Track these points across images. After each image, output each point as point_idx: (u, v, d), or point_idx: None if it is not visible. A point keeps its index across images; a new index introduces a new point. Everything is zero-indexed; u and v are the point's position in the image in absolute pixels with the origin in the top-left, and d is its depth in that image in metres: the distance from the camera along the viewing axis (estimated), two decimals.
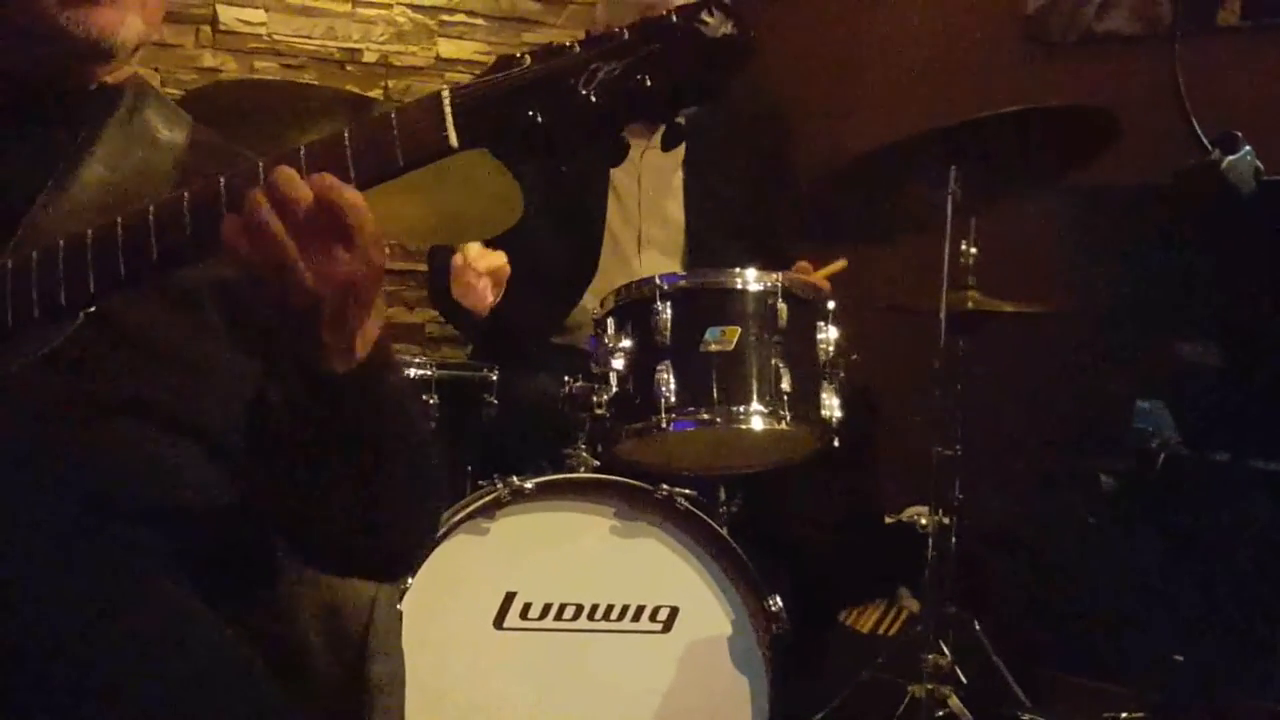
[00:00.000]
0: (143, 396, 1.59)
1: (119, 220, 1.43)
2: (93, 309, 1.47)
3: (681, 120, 1.47)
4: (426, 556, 1.78)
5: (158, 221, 1.41)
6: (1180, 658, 2.64)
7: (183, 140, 1.73)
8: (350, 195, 1.37)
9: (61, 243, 1.44)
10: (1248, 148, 1.94)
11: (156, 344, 1.62)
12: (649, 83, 1.36)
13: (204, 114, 3.26)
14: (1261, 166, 1.94)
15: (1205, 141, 1.97)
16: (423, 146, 1.39)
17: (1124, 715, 1.96)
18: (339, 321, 1.41)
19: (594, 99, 1.36)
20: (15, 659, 1.38)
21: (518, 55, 1.40)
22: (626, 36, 1.37)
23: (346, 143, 1.41)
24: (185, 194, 1.41)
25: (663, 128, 2.85)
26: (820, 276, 3.27)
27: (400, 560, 1.79)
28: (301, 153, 1.40)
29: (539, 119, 1.37)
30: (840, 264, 3.43)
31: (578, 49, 1.38)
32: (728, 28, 1.38)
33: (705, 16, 1.37)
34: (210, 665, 1.51)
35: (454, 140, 1.38)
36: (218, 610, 1.57)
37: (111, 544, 1.51)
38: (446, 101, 1.38)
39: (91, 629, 1.43)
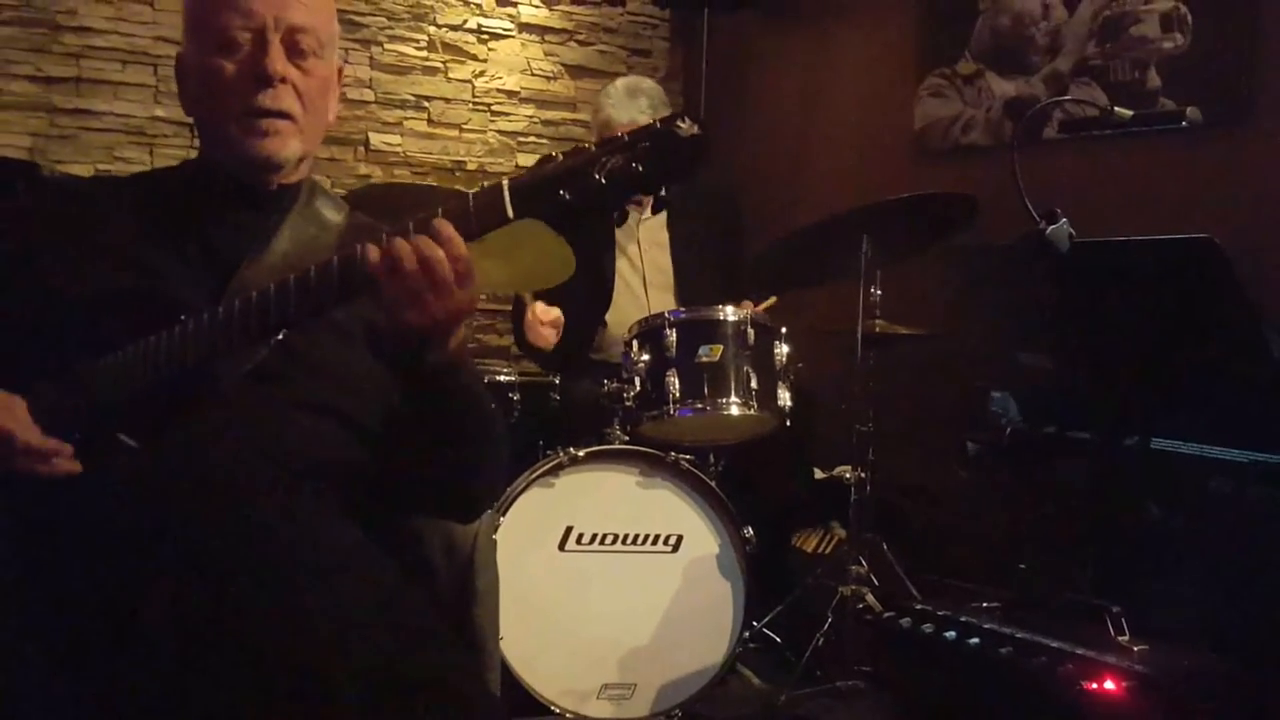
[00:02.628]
0: (315, 397, 1.59)
1: (292, 276, 1.44)
2: (280, 336, 1.48)
3: (664, 193, 1.49)
4: (495, 500, 1.74)
5: (316, 276, 1.43)
6: (1023, 565, 2.63)
7: (342, 221, 1.73)
8: (465, 250, 1.40)
9: (255, 293, 1.45)
10: (1064, 219, 1.93)
11: (324, 361, 1.62)
12: (641, 169, 1.37)
13: (361, 205, 3.29)
14: (1074, 232, 1.93)
15: (1035, 215, 1.96)
16: (489, 216, 1.41)
17: (985, 604, 1.94)
18: (446, 333, 1.45)
19: (604, 182, 1.37)
20: (239, 582, 1.39)
21: (553, 154, 1.41)
22: (626, 139, 1.38)
23: (443, 215, 1.42)
24: (335, 258, 1.43)
25: (652, 200, 2.80)
26: (760, 310, 3.26)
27: (476, 502, 1.76)
28: (411, 227, 1.42)
29: (567, 196, 1.38)
30: (772, 300, 3.40)
31: (593, 148, 1.39)
32: (695, 130, 1.38)
33: (679, 123, 1.38)
34: (370, 580, 1.50)
35: (510, 213, 1.40)
36: (375, 542, 1.57)
37: (301, 498, 1.51)
38: (506, 187, 1.40)
39: (289, 556, 1.42)
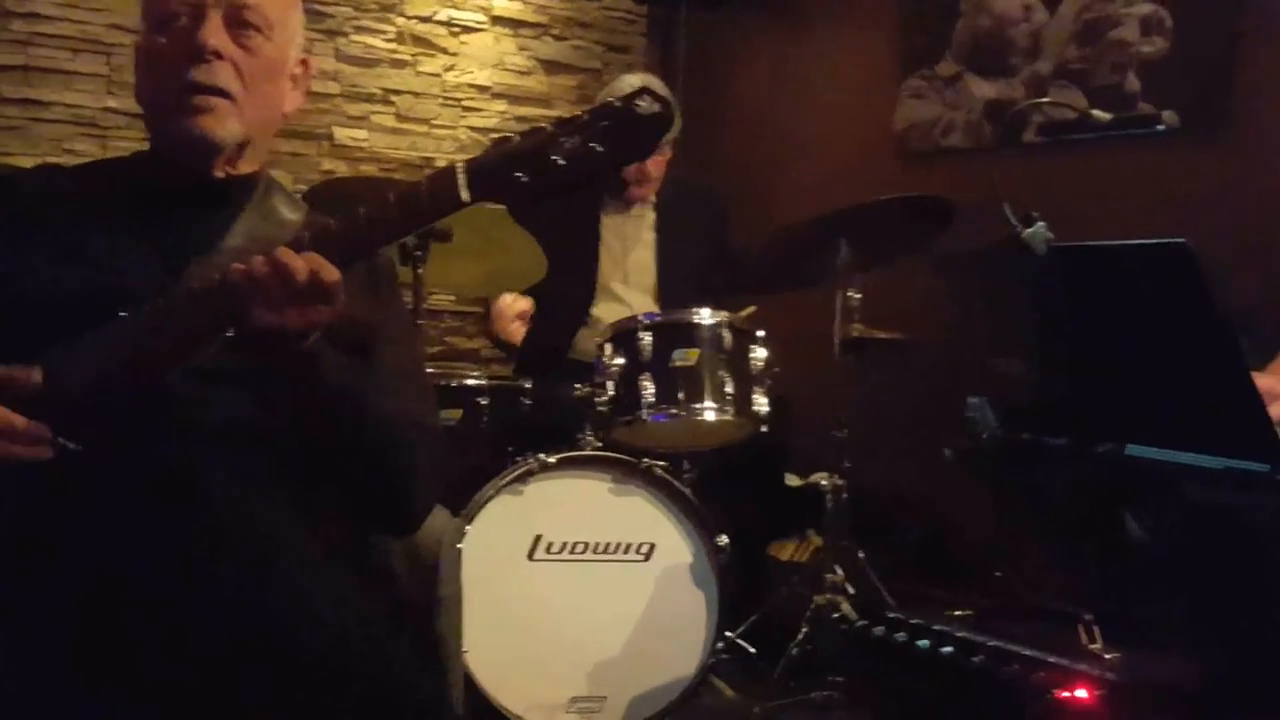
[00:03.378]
0: (270, 395, 1.53)
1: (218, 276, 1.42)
2: (230, 333, 1.44)
3: (624, 177, 1.47)
4: (420, 514, 1.67)
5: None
6: (998, 573, 2.66)
7: (299, 220, 1.69)
8: (330, 270, 1.37)
9: (199, 287, 1.43)
10: (1041, 223, 1.95)
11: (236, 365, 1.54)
12: (600, 149, 1.36)
13: (324, 200, 3.30)
14: (1051, 235, 1.95)
15: (1012, 219, 1.98)
16: (444, 201, 1.40)
17: (958, 612, 1.97)
18: (296, 342, 1.41)
19: (562, 162, 1.36)
20: (194, 586, 1.41)
21: (510, 135, 1.40)
22: (585, 118, 1.38)
23: (392, 202, 1.41)
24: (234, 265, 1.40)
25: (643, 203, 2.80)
26: (740, 318, 3.28)
27: (395, 513, 1.67)
28: (363, 212, 1.41)
29: (524, 178, 1.37)
30: (750, 309, 3.42)
31: (551, 128, 1.38)
32: (656, 107, 1.38)
33: (639, 101, 1.38)
34: (328, 585, 1.52)
35: (465, 196, 1.39)
36: (336, 546, 1.58)
37: (255, 500, 1.51)
38: (460, 170, 1.39)
39: (244, 559, 1.45)
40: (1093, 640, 1.78)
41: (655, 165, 3.61)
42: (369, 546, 1.75)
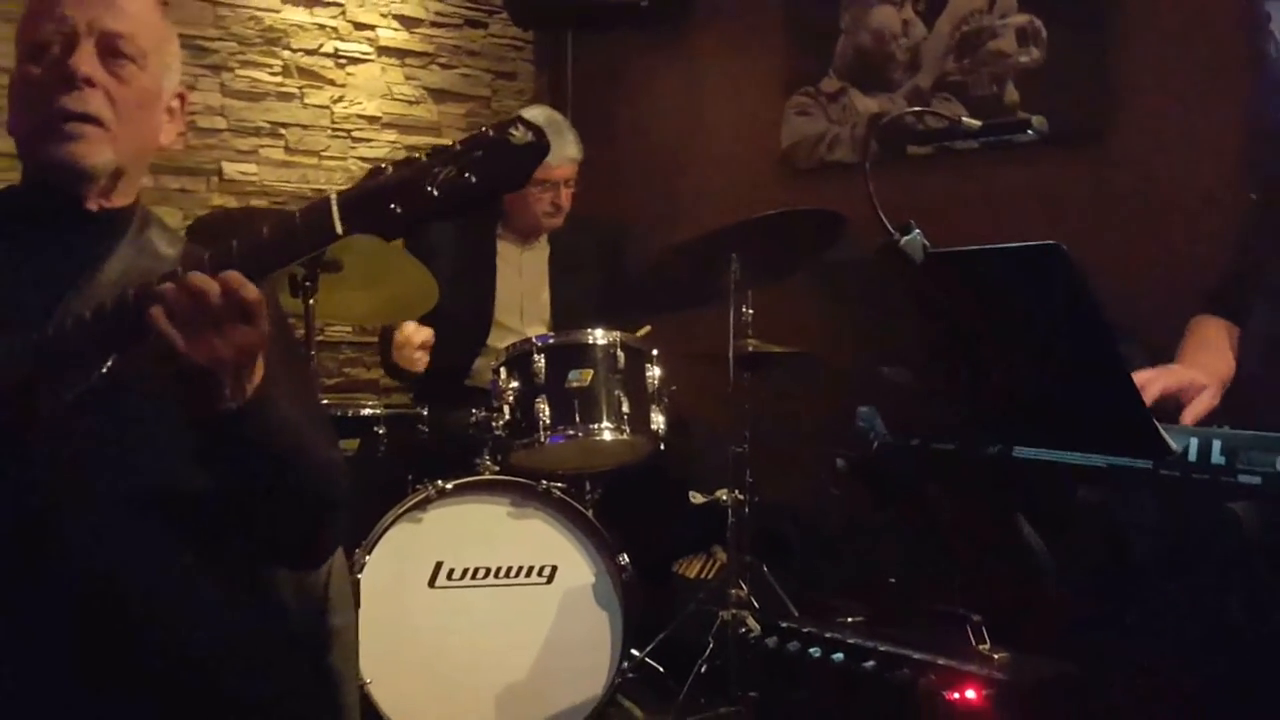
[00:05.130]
0: (149, 429, 1.52)
1: (109, 303, 1.39)
2: (109, 364, 1.41)
3: (502, 205, 1.45)
4: (329, 551, 1.64)
5: (116, 309, 1.38)
6: (893, 580, 2.68)
7: (176, 254, 1.66)
8: (250, 288, 1.35)
9: (73, 318, 1.41)
10: (917, 230, 1.96)
11: (161, 391, 1.49)
12: (474, 180, 1.35)
13: (208, 233, 3.23)
14: (928, 244, 1.97)
15: (889, 227, 1.99)
16: (318, 234, 1.37)
17: (853, 618, 1.98)
18: (239, 372, 1.38)
19: (436, 194, 1.34)
20: (71, 627, 1.37)
21: (383, 165, 1.39)
22: (458, 148, 1.36)
23: (266, 236, 1.39)
24: (132, 290, 1.38)
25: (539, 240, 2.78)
26: (634, 338, 3.28)
27: (306, 554, 1.66)
28: (235, 246, 1.38)
29: (398, 210, 1.35)
30: (646, 329, 3.43)
31: (425, 159, 1.37)
32: (529, 136, 1.37)
33: (513, 130, 1.36)
34: (212, 622, 1.50)
35: (339, 229, 1.36)
36: (220, 580, 1.54)
37: (133, 536, 1.47)
38: (334, 202, 1.37)
39: (123, 596, 1.43)
40: (981, 641, 1.79)
41: (567, 197, 3.61)
42: (256, 579, 1.71)
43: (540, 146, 1.38)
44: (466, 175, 1.34)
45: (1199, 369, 2.14)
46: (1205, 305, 2.41)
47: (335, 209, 1.36)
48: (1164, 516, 1.90)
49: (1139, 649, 1.85)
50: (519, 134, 1.36)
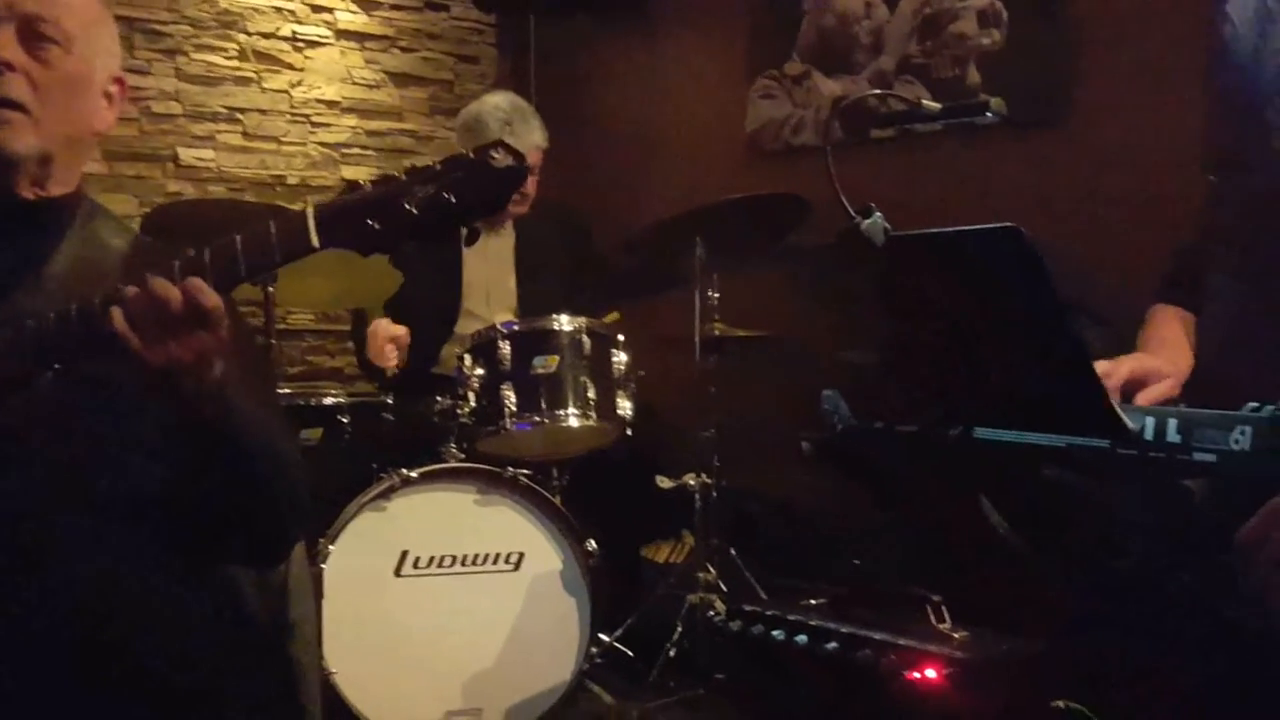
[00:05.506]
0: (103, 429, 1.51)
1: (60, 311, 1.38)
2: (58, 367, 1.41)
3: (479, 226, 1.46)
4: (289, 547, 1.64)
5: (79, 315, 1.37)
6: (857, 561, 2.70)
7: (125, 246, 1.65)
8: (210, 296, 1.34)
9: (30, 322, 1.39)
10: (879, 214, 1.97)
11: (119, 390, 1.50)
12: (453, 200, 1.35)
13: (165, 224, 3.19)
14: (889, 226, 1.98)
15: (850, 211, 2.00)
16: (293, 247, 1.37)
17: (816, 600, 1.99)
18: (197, 374, 1.37)
19: (415, 212, 1.35)
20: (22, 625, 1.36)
21: (361, 182, 1.39)
22: (439, 168, 1.37)
23: (239, 246, 1.38)
24: (73, 306, 1.37)
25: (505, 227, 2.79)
26: (600, 323, 3.28)
27: (267, 551, 1.66)
28: (207, 254, 1.37)
29: (376, 226, 1.35)
30: (614, 315, 3.43)
31: (405, 177, 1.37)
32: (509, 161, 1.38)
33: (494, 153, 1.37)
34: (170, 619, 1.50)
35: (315, 243, 1.36)
36: (180, 575, 1.54)
37: (84, 533, 1.47)
38: (311, 215, 1.37)
39: (77, 594, 1.42)
40: (942, 620, 1.81)
41: (533, 184, 3.60)
42: (216, 572, 1.71)
43: (520, 171, 1.39)
44: (446, 195, 1.35)
45: (1163, 360, 2.17)
46: (1162, 292, 2.44)
47: (312, 222, 1.36)
48: (1120, 494, 1.92)
49: (1098, 626, 1.88)
50: (500, 157, 1.37)
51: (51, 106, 1.56)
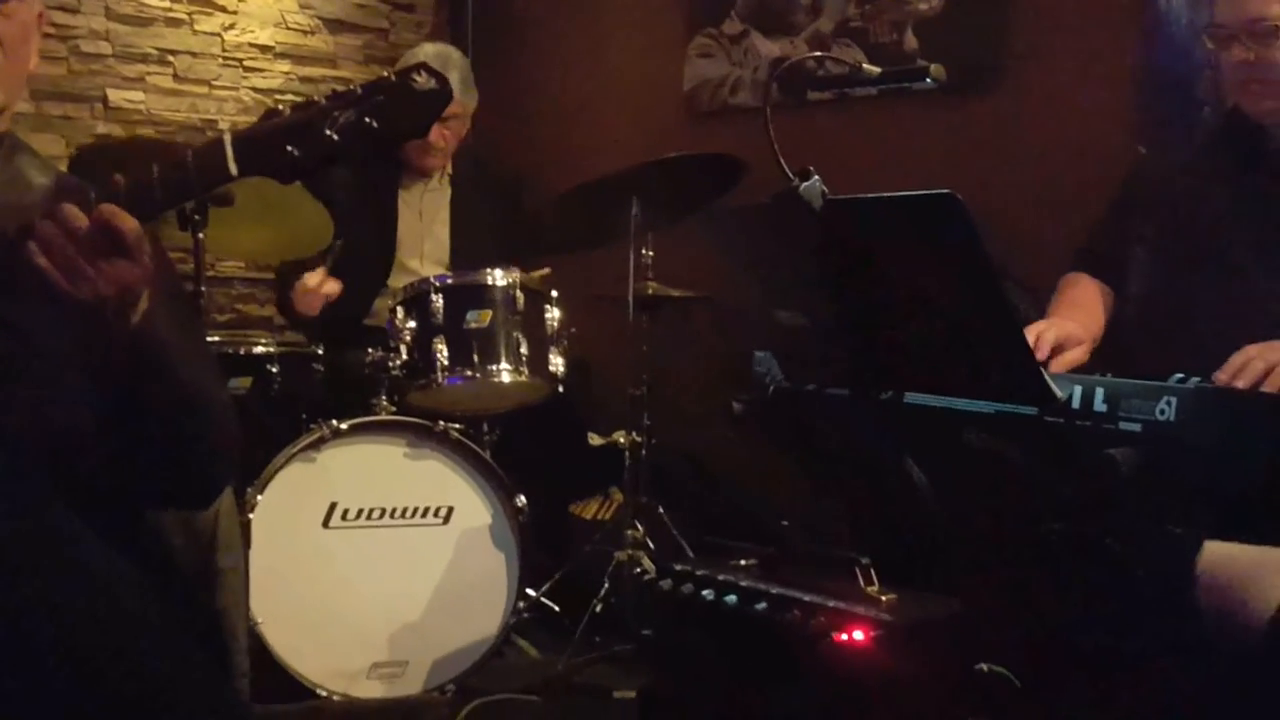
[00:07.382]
0: (24, 370, 1.47)
1: None
2: None
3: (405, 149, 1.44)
4: (219, 489, 1.63)
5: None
6: (786, 522, 2.71)
7: (49, 183, 1.61)
8: (125, 219, 1.30)
9: None
10: (816, 177, 1.97)
11: (36, 331, 1.48)
12: (375, 124, 1.34)
13: (92, 162, 3.11)
14: (826, 190, 1.97)
15: (789, 173, 2.00)
16: (211, 174, 1.34)
17: (746, 561, 2.00)
18: (122, 309, 1.35)
19: (335, 137, 1.33)
20: None
21: (280, 107, 1.37)
22: (359, 92, 1.35)
23: (156, 175, 1.35)
24: (10, 231, 1.32)
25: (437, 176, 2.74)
26: (533, 279, 3.25)
27: (194, 492, 1.63)
28: (123, 183, 1.34)
29: (296, 152, 1.33)
30: (545, 271, 3.40)
31: (324, 102, 1.35)
32: (432, 83, 1.36)
33: (415, 76, 1.36)
34: (84, 570, 1.44)
35: (234, 170, 1.34)
36: (102, 525, 1.50)
37: (8, 479, 1.43)
38: (228, 142, 1.34)
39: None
40: (870, 583, 1.82)
41: (438, 135, 3.51)
42: (140, 520, 1.67)
43: (444, 94, 1.37)
44: (367, 120, 1.33)
45: (1077, 324, 2.20)
46: (1077, 261, 2.47)
47: (229, 149, 1.33)
48: (1047, 461, 1.94)
49: (1023, 588, 1.90)
50: (422, 80, 1.35)
51: (14, 59, 1.55)
